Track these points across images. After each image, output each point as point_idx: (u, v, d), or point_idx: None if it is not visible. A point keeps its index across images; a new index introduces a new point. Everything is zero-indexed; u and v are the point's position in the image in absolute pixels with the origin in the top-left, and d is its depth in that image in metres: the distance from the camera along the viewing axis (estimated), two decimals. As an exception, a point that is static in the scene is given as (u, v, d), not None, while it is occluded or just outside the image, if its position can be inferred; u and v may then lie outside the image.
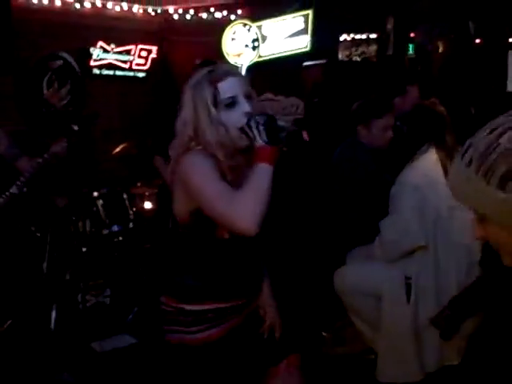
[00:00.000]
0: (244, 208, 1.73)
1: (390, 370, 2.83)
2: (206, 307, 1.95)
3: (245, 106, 1.85)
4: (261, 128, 1.79)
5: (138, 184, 5.28)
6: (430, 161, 2.88)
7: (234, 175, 1.88)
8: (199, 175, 1.83)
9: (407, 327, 2.77)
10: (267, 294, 2.17)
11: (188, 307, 1.95)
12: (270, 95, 6.26)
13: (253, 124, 1.80)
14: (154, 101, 6.56)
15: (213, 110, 1.83)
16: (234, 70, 1.97)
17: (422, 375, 2.80)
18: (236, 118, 1.84)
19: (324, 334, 3.64)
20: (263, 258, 2.12)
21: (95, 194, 4.51)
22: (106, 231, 4.45)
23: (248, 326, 2.06)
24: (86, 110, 5.88)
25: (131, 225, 4.61)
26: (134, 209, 4.73)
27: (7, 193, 3.31)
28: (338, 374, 3.35)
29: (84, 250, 4.12)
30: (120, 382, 3.33)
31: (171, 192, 2.00)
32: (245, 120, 1.82)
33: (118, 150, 5.23)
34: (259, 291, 2.11)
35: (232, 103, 1.85)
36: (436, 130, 2.95)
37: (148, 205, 5.08)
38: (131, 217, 4.63)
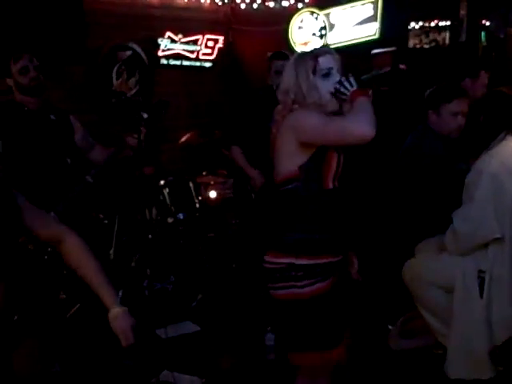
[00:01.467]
0: (357, 118, 2.07)
1: (460, 366, 2.72)
2: (319, 261, 2.18)
3: (337, 77, 2.22)
4: (351, 79, 2.17)
5: (204, 173, 5.30)
6: (507, 149, 2.73)
7: None
8: (313, 117, 2.15)
9: (479, 323, 2.65)
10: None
11: (299, 261, 2.16)
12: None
13: (343, 79, 2.18)
14: (220, 90, 6.57)
15: (311, 76, 2.19)
16: (331, 51, 2.30)
17: (493, 372, 2.68)
18: (329, 85, 2.20)
19: (390, 326, 3.55)
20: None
21: (162, 182, 4.56)
22: (171, 219, 4.49)
23: (340, 284, 2.30)
24: (155, 100, 5.97)
25: (196, 213, 4.63)
26: (200, 197, 4.75)
27: (82, 182, 3.38)
28: (403, 368, 3.26)
29: (150, 237, 4.17)
30: (182, 368, 3.35)
31: (274, 156, 2.28)
32: (335, 87, 2.19)
33: (184, 139, 5.27)
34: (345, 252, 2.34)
35: (327, 74, 2.21)
36: (509, 117, 2.81)
37: (213, 194, 5.09)
38: (196, 205, 4.66)
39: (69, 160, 3.45)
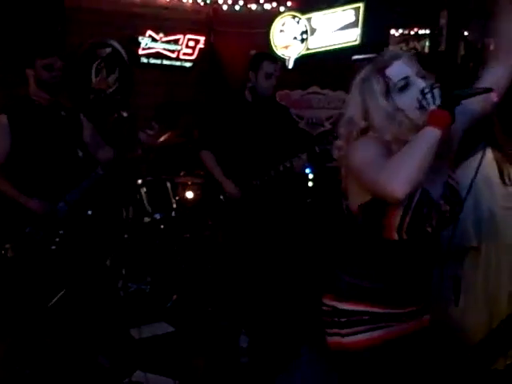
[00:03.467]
0: (393, 170, 1.62)
1: None
2: (360, 308, 1.83)
3: (420, 83, 1.73)
4: (435, 91, 1.67)
5: (182, 173, 5.28)
6: (485, 159, 2.76)
7: None
8: (362, 152, 1.75)
9: (454, 330, 2.67)
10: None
11: (341, 306, 1.85)
12: (316, 88, 6.22)
13: (427, 89, 1.68)
14: (200, 91, 6.55)
15: (383, 101, 1.75)
16: (398, 53, 1.82)
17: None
18: (413, 97, 1.72)
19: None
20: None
21: (139, 181, 4.53)
22: (148, 219, 4.47)
23: (416, 339, 1.90)
24: (134, 99, 5.94)
25: (173, 213, 4.61)
26: (177, 197, 4.74)
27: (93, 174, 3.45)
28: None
29: (126, 236, 4.14)
30: (155, 369, 3.33)
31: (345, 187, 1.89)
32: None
33: (162, 139, 5.24)
34: (422, 304, 1.96)
35: (406, 85, 1.74)
36: (486, 128, 2.85)
37: (190, 194, 5.08)
38: (173, 205, 4.64)
39: (80, 153, 3.49)
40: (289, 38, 6.43)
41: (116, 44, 5.95)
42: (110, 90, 5.90)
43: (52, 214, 3.28)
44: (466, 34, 7.21)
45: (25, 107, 3.35)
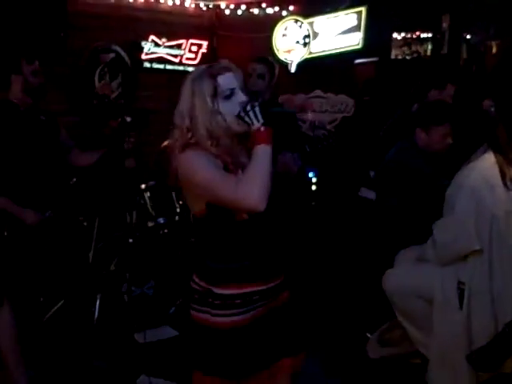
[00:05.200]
0: (248, 188, 1.87)
1: (440, 376, 2.74)
2: (233, 291, 2.02)
3: (241, 97, 2.00)
4: (256, 110, 1.92)
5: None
6: (487, 163, 2.77)
7: (233, 166, 2.00)
8: (199, 169, 1.94)
9: (459, 334, 2.67)
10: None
11: (216, 290, 2.03)
12: (319, 92, 6.22)
13: (249, 107, 1.93)
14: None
15: (210, 101, 1.96)
16: (231, 66, 2.06)
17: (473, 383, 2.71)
18: (233, 106, 1.96)
19: (368, 335, 3.57)
20: (286, 244, 2.26)
21: (143, 186, 4.53)
22: (151, 223, 4.47)
23: (270, 319, 2.10)
24: (137, 104, 5.95)
25: (177, 218, 4.61)
26: (181, 202, 4.73)
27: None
28: (381, 377, 3.28)
29: (130, 241, 4.14)
30: (160, 373, 3.33)
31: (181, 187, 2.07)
32: (241, 107, 1.95)
33: (166, 143, 5.24)
34: (281, 277, 2.16)
35: (230, 94, 1.98)
36: (488, 131, 2.86)
37: (194, 199, 5.08)
38: (177, 210, 4.64)
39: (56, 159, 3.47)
40: (291, 42, 6.45)
41: (119, 49, 5.96)
42: (114, 96, 5.91)
43: (41, 223, 3.22)
44: (468, 37, 7.23)
45: (5, 111, 3.26)
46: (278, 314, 2.11)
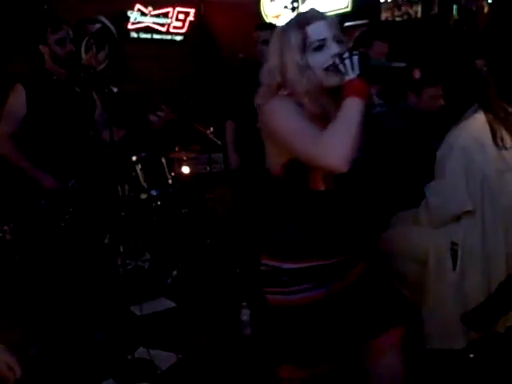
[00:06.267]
0: (332, 143, 1.67)
1: (435, 336, 2.76)
2: (304, 265, 1.89)
3: (334, 49, 1.79)
4: (354, 59, 1.72)
5: (176, 148, 5.25)
6: (477, 122, 2.75)
7: (323, 124, 1.77)
8: (283, 117, 1.78)
9: (452, 294, 2.68)
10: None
11: (285, 265, 1.89)
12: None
13: (346, 55, 1.73)
14: (192, 64, 6.49)
15: (298, 54, 1.79)
16: (322, 14, 1.86)
17: (465, 342, 2.73)
18: (323, 60, 1.78)
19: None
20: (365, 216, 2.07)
21: (134, 158, 4.50)
22: (144, 195, 4.45)
23: (350, 294, 1.96)
24: (126, 75, 5.87)
25: (170, 189, 4.60)
26: (173, 173, 4.71)
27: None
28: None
29: (123, 214, 4.13)
30: (158, 345, 3.35)
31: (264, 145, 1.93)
32: (332, 61, 1.76)
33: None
34: (358, 251, 2.02)
35: (320, 46, 1.79)
36: (480, 91, 2.83)
37: (186, 169, 5.06)
38: (169, 181, 4.62)
39: (91, 132, 3.45)
40: (279, 7, 6.35)
41: (105, 20, 5.85)
42: (101, 67, 5.82)
43: (63, 191, 3.26)
44: (459, -4, 7.13)
45: (41, 79, 3.29)
46: (357, 289, 1.97)
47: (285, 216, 1.91)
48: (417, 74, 1.88)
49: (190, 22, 6.50)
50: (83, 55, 5.75)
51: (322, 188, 1.86)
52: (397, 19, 7.05)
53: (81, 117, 3.41)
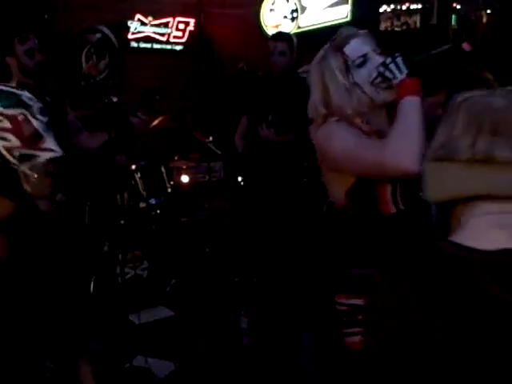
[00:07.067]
0: (397, 144, 1.62)
1: None
2: None
3: (376, 60, 1.75)
4: (398, 60, 1.69)
5: (176, 157, 5.26)
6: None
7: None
8: (340, 138, 1.73)
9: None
10: None
11: (360, 302, 1.69)
12: (308, 67, 6.17)
13: (389, 60, 1.70)
14: (192, 74, 6.51)
15: (341, 76, 1.75)
16: (355, 32, 1.83)
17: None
18: (369, 73, 1.74)
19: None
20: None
21: (133, 166, 4.51)
22: (143, 204, 4.45)
23: None
24: (125, 84, 5.90)
25: (169, 198, 4.60)
26: (172, 182, 4.72)
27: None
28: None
29: (122, 222, 4.13)
30: (156, 353, 3.35)
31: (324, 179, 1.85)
32: (377, 71, 1.72)
33: (155, 122, 5.20)
34: None
35: (363, 62, 1.75)
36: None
37: (185, 178, 5.07)
38: (169, 190, 4.63)
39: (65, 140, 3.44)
40: (279, 17, 6.37)
41: (105, 29, 5.90)
42: (101, 76, 5.86)
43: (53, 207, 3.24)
44: (458, 7, 7.16)
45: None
46: None
47: (361, 249, 1.78)
48: (467, 47, 1.81)
49: (190, 31, 6.52)
50: (83, 64, 5.79)
51: (393, 210, 1.76)
52: (396, 29, 7.09)
53: (54, 126, 3.36)
